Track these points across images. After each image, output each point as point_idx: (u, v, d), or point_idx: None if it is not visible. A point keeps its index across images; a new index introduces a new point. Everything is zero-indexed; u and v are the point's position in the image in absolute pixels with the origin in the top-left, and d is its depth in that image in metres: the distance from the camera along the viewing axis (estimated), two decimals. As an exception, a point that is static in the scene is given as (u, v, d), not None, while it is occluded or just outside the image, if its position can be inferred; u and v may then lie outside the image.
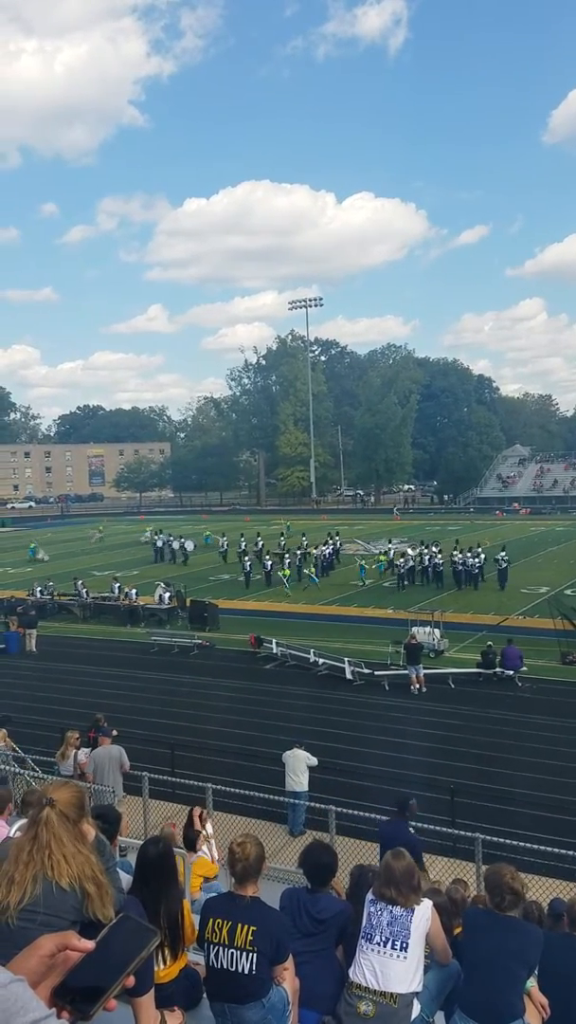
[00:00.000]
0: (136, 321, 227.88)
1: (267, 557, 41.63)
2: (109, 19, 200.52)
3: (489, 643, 24.13)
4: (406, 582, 37.80)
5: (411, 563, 38.71)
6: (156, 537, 51.62)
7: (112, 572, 42.52)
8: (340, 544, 46.93)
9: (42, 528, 79.24)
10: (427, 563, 38.85)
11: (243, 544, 46.69)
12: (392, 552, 42.71)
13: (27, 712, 19.38)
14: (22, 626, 29.72)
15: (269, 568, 40.21)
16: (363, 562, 40.94)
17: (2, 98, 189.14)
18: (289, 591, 37.08)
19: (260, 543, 46.24)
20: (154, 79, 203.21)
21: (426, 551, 39.72)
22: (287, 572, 38.71)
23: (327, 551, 43.50)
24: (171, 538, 50.67)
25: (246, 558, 41.94)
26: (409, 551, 40.41)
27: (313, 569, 40.31)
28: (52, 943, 1.29)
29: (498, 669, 22.73)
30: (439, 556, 38.72)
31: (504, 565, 37.40)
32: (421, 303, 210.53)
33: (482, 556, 37.94)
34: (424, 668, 22.67)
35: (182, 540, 49.84)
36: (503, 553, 38.16)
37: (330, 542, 45.13)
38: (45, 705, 21.27)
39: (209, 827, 10.09)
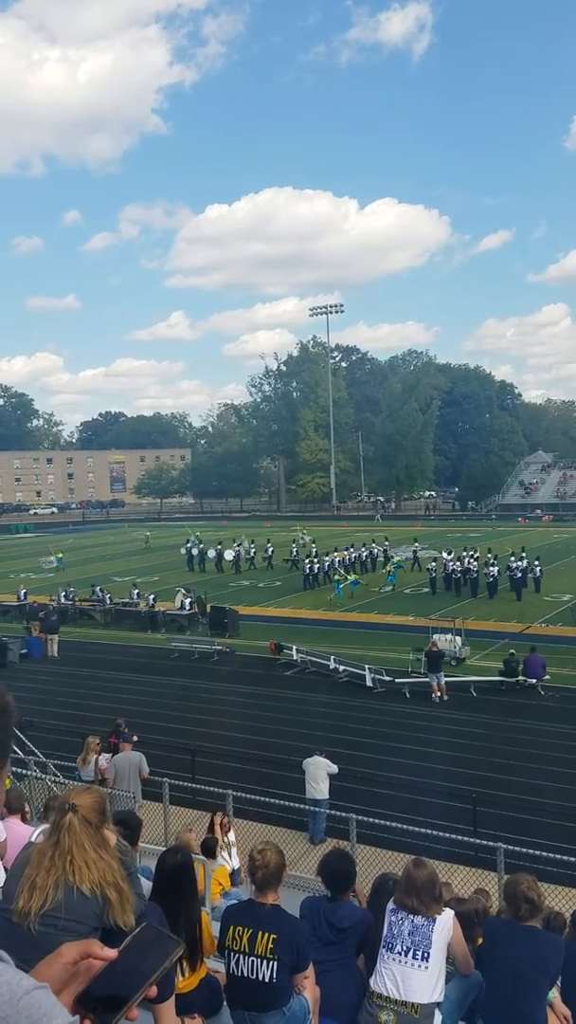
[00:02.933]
0: (158, 328, 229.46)
1: (326, 559, 42.16)
2: (132, 28, 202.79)
3: (511, 651, 23.93)
4: (438, 588, 37.77)
5: (453, 567, 38.45)
6: (193, 546, 49.84)
7: (133, 578, 42.73)
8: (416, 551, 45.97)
9: (65, 533, 79.77)
10: (463, 568, 38.44)
11: (295, 549, 46.86)
12: (405, 557, 42.93)
13: (49, 717, 19.48)
14: (44, 631, 29.89)
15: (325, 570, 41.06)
16: (391, 568, 40.95)
17: (26, 107, 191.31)
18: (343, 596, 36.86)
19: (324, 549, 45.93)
20: (176, 87, 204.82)
21: (464, 556, 39.49)
22: (337, 576, 38.38)
23: (356, 555, 43.72)
24: (220, 546, 48.54)
25: (307, 560, 41.99)
26: (444, 555, 40.25)
27: (356, 575, 40.55)
28: (75, 951, 1.29)
29: (520, 677, 22.55)
30: (473, 563, 38.41)
31: (538, 573, 37.41)
32: (443, 309, 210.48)
33: (524, 563, 37.68)
34: (445, 676, 22.53)
35: (237, 547, 47.99)
36: (537, 562, 38.03)
37: (364, 547, 45.44)
38: (66, 710, 21.38)
39: (231, 835, 10.08)
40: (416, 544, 47.28)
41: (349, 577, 38.73)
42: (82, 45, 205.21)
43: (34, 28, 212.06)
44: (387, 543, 46.84)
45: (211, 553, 47.98)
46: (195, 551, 49.29)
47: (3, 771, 1.22)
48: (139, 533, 71.97)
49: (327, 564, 41.58)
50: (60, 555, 52.23)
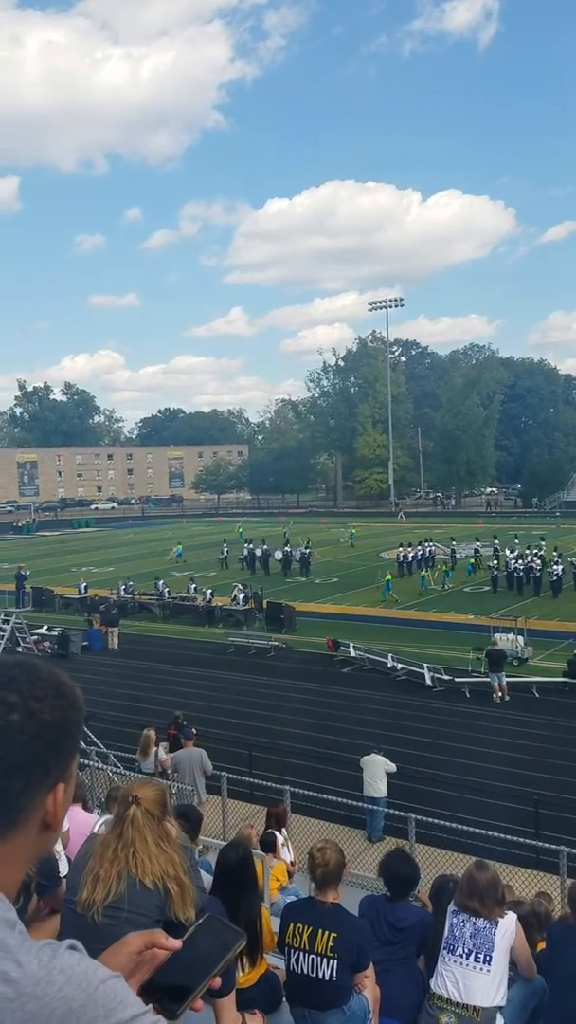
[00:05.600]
0: (216, 324, 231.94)
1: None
2: (194, 24, 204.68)
3: None
4: (499, 587, 37.19)
5: (515, 564, 37.62)
6: (256, 546, 47.01)
7: (191, 573, 43.13)
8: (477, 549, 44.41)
9: (124, 528, 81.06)
10: (525, 567, 37.49)
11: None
12: (478, 553, 42.34)
13: (109, 708, 19.79)
14: (105, 624, 30.46)
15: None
16: (446, 567, 40.54)
17: (90, 105, 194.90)
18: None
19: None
20: (238, 83, 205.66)
21: (528, 553, 38.63)
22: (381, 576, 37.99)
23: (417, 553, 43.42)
24: (288, 547, 46.18)
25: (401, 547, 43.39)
26: (508, 552, 39.49)
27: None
28: (140, 940, 1.30)
29: (584, 678, 22.08)
30: (536, 561, 37.57)
31: None
32: (506, 302, 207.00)
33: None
34: (507, 676, 22.13)
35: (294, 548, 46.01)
36: None
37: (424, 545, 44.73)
38: (127, 702, 21.68)
39: (284, 832, 10.03)
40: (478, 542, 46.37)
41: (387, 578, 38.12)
42: (144, 43, 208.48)
43: (97, 27, 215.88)
44: (453, 542, 46.05)
45: (278, 554, 45.63)
46: (259, 551, 46.17)
47: (74, 764, 1.22)
48: (211, 528, 72.58)
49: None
50: (180, 547, 52.17)
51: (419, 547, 43.66)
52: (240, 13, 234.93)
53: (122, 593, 36.50)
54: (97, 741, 14.40)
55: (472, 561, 41.21)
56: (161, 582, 37.35)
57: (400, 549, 43.54)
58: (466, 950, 4.30)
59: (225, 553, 47.83)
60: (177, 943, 1.32)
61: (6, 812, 1.12)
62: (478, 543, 44.68)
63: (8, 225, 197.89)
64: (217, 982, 1.34)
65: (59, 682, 1.21)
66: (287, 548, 46.35)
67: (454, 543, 45.46)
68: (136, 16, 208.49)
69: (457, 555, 43.35)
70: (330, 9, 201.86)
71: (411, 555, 42.58)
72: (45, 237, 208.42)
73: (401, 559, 42.63)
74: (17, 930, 1.05)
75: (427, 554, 43.52)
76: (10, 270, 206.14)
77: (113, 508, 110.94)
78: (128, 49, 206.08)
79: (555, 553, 38.39)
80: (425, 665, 23.47)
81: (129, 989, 1.06)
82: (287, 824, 10.22)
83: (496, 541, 43.22)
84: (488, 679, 22.00)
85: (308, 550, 44.98)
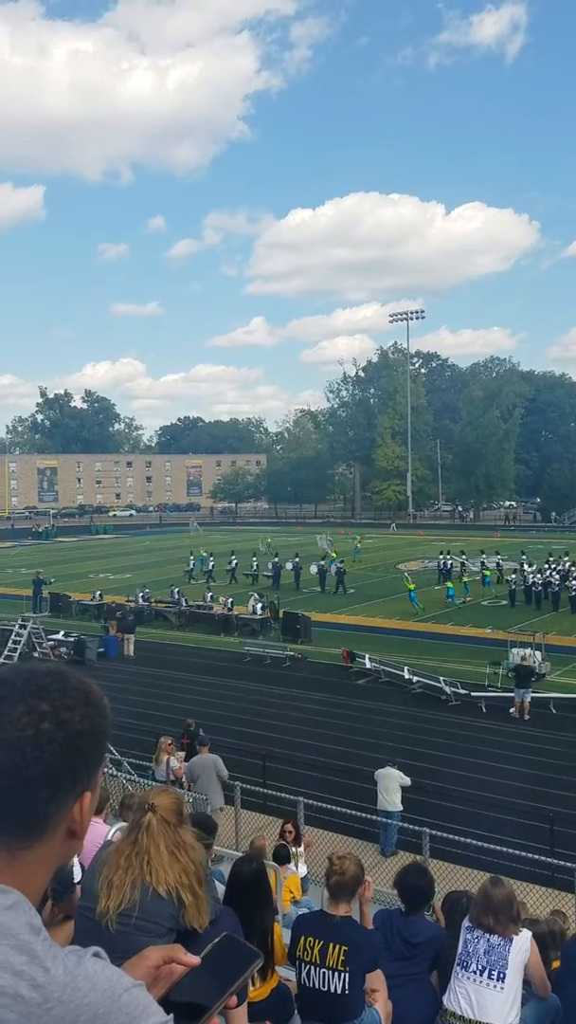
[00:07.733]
0: (236, 334, 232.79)
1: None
2: (221, 36, 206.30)
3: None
4: (517, 601, 36.94)
5: (532, 579, 37.33)
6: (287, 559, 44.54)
7: (207, 581, 43.12)
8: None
9: (141, 536, 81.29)
10: (544, 581, 37.15)
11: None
12: (495, 566, 42.14)
13: (124, 715, 19.80)
14: (121, 631, 30.54)
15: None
16: (465, 579, 40.32)
17: (116, 115, 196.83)
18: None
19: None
20: (263, 94, 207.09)
21: (546, 568, 38.30)
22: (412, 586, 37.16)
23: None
24: (323, 561, 43.75)
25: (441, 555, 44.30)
26: (526, 567, 39.17)
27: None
28: (159, 955, 1.31)
29: (602, 695, 21.81)
30: (555, 576, 37.23)
31: None
32: (529, 315, 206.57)
33: None
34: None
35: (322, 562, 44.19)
36: None
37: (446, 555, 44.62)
38: (141, 709, 21.69)
39: (301, 848, 9.99)
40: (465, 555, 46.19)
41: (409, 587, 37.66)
42: (171, 53, 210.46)
43: (124, 37, 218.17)
44: (463, 555, 45.81)
45: (313, 568, 43.03)
46: (289, 565, 43.68)
47: (100, 773, 1.23)
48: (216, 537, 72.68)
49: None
50: (204, 554, 50.31)
51: (459, 556, 43.99)
52: (266, 24, 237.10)
53: (139, 600, 36.59)
54: (111, 748, 14.41)
55: (488, 573, 41.00)
56: (177, 590, 37.33)
57: (441, 556, 44.20)
58: (480, 967, 4.26)
59: (191, 565, 47.20)
60: (196, 959, 1.32)
61: (35, 819, 1.13)
62: (483, 555, 44.69)
63: (33, 233, 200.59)
64: (233, 1001, 1.33)
65: (89, 691, 1.21)
66: (321, 562, 43.96)
67: (463, 555, 45.55)
68: (163, 27, 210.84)
69: (472, 568, 43.27)
70: (356, 20, 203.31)
71: (450, 563, 43.04)
72: (69, 245, 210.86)
73: (442, 567, 43.15)
74: (42, 936, 1.06)
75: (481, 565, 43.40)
76: (34, 278, 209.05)
77: (132, 515, 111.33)
78: (155, 60, 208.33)
79: (573, 568, 38.11)
80: (442, 678, 23.32)
81: (151, 998, 1.08)
82: (300, 841, 10.19)
83: (499, 556, 43.14)
84: (513, 694, 21.71)
85: (343, 564, 43.27)
